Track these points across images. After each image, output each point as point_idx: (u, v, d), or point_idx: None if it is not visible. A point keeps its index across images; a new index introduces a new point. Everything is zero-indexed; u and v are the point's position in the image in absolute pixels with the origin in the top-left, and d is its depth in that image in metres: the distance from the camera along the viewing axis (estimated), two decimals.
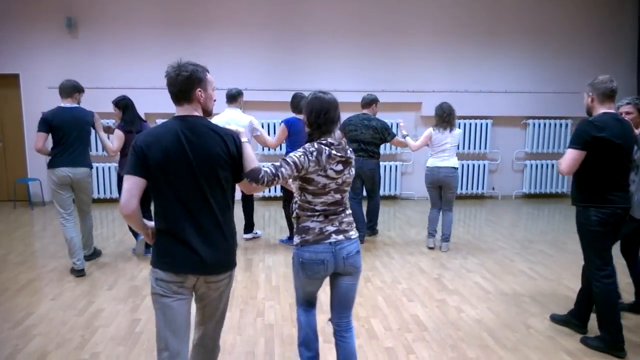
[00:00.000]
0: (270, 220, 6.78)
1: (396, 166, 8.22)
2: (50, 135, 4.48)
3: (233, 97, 5.33)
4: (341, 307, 2.52)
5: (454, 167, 5.20)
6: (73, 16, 7.51)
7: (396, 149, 8.08)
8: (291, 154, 2.32)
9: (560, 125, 8.41)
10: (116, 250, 5.34)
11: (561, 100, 8.36)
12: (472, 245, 5.65)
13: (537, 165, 8.47)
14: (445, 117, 5.23)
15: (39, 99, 7.61)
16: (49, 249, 5.35)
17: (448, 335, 3.45)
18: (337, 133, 2.43)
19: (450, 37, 8.07)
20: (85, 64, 7.61)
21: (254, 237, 5.80)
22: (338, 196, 2.40)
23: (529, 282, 4.51)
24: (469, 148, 8.32)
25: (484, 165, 8.35)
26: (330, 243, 2.38)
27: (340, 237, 2.40)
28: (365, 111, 5.60)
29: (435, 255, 5.25)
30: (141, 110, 7.77)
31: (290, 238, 5.51)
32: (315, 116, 2.38)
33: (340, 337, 2.55)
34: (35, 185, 7.77)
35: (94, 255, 5.02)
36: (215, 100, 2.25)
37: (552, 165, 8.48)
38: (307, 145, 2.36)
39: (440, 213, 5.40)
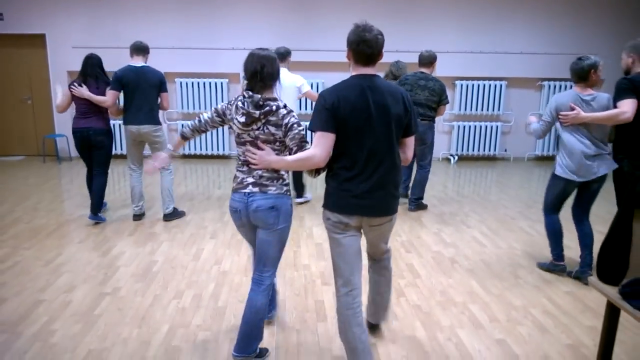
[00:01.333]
0: None
1: None
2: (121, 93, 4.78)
3: (282, 56, 5.11)
4: (258, 259, 2.56)
5: None
6: None
7: None
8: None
9: None
10: None
11: None
12: (476, 204, 5.83)
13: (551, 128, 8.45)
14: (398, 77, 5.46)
15: (65, 58, 7.93)
16: (75, 200, 5.75)
17: (439, 282, 3.71)
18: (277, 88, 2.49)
19: None
20: (107, 24, 7.85)
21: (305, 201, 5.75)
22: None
23: (525, 237, 4.70)
24: (482, 110, 8.36)
25: (497, 127, 8.40)
26: (244, 194, 2.47)
27: (256, 189, 2.45)
28: (423, 70, 5.19)
29: (437, 212, 5.47)
30: (161, 69, 8.07)
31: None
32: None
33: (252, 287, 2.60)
34: (62, 141, 8.18)
35: (173, 215, 5.02)
36: None
37: None
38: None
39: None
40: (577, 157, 3.53)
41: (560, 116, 3.56)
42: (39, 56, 8.03)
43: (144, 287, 3.54)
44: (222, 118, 2.59)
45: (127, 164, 5.02)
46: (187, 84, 8.09)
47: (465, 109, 8.39)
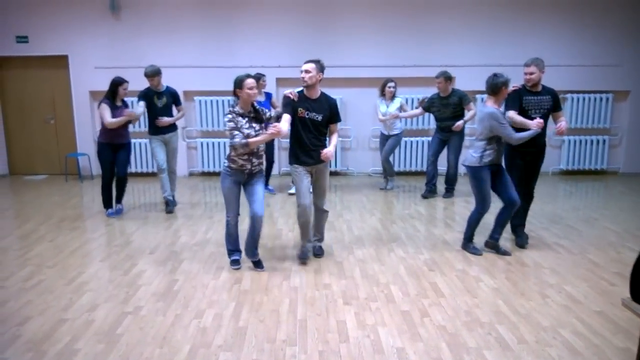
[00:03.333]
0: None
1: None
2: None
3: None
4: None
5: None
6: None
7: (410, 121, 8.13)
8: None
9: (601, 99, 8.20)
10: (157, 219, 5.74)
11: (601, 73, 8.14)
12: None
13: (576, 141, 8.30)
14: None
15: (87, 78, 8.09)
16: (97, 218, 5.81)
17: (464, 301, 3.62)
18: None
19: (484, 8, 7.96)
20: (128, 44, 8.01)
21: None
22: None
23: (551, 255, 4.58)
24: None
25: None
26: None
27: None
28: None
29: (460, 229, 5.36)
30: (180, 88, 8.14)
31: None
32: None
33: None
34: (84, 159, 8.30)
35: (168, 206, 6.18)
36: None
37: (591, 141, 8.31)
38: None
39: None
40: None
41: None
42: (62, 77, 8.21)
43: (165, 306, 3.53)
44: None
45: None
46: (205, 102, 8.17)
47: None
